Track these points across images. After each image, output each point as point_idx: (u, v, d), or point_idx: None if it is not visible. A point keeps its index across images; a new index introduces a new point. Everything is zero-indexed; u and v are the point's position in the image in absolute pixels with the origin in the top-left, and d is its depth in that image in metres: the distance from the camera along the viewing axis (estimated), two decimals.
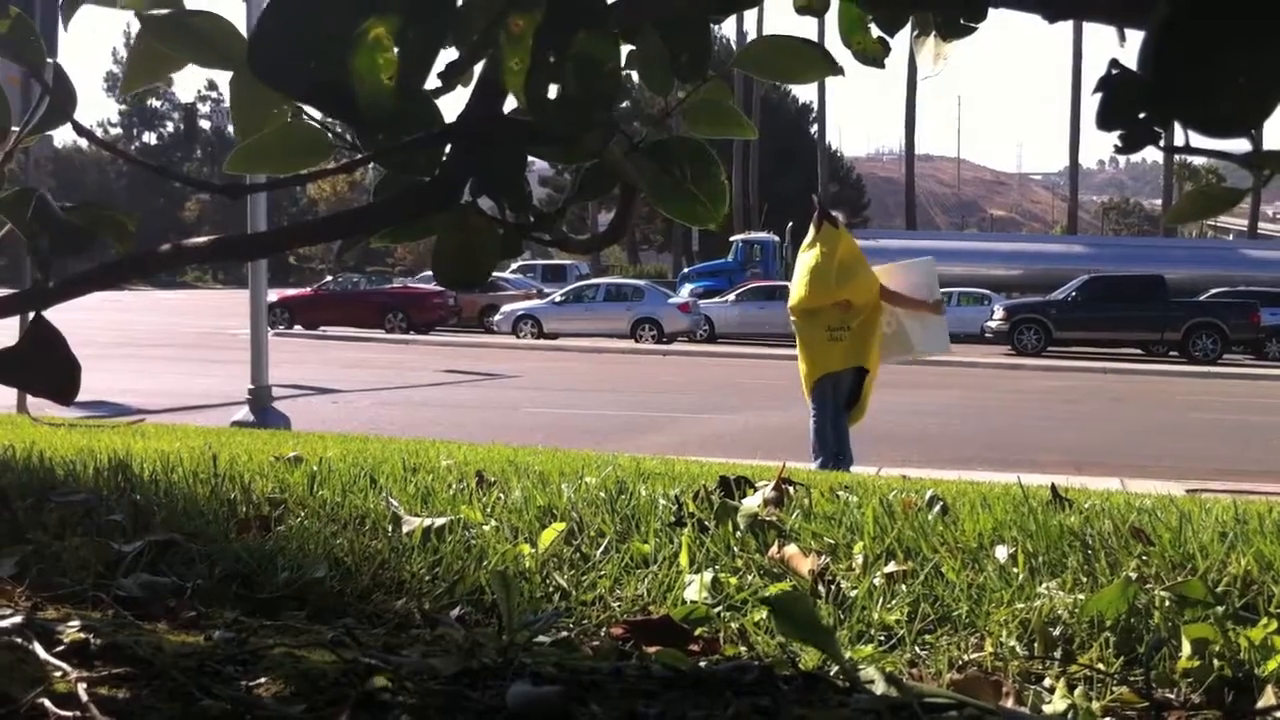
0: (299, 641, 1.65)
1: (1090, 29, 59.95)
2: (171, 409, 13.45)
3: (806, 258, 8.53)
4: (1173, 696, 1.67)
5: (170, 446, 4.78)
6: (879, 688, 1.51)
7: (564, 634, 1.90)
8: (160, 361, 21.67)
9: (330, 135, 1.48)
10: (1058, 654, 1.84)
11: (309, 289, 38.00)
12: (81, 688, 1.37)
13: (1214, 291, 32.93)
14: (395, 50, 1.22)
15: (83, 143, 77.70)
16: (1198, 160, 64.84)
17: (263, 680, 1.46)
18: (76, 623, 1.69)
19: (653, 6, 1.41)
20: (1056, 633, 1.90)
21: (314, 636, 1.71)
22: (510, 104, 1.38)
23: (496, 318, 32.73)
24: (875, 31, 1.67)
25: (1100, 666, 1.76)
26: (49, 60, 1.45)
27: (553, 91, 1.28)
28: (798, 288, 8.56)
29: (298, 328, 32.95)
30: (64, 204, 1.51)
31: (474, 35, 1.26)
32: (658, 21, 1.45)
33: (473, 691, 1.44)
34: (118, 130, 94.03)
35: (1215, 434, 14.58)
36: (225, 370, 17.94)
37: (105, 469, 3.35)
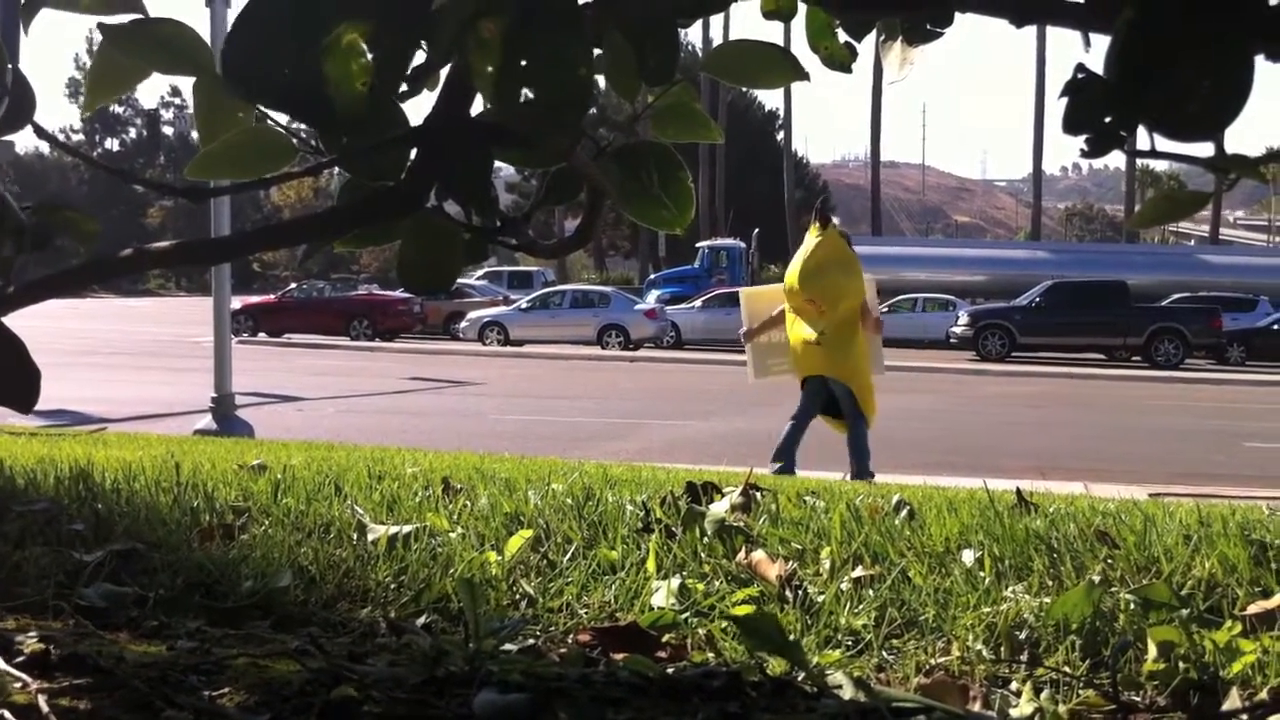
0: (263, 651, 1.64)
1: (1054, 37, 60.49)
2: (134, 417, 13.35)
3: (798, 253, 8.66)
4: (1138, 699, 1.67)
5: (132, 455, 4.74)
6: (847, 693, 1.50)
7: (531, 641, 1.89)
8: (122, 369, 21.51)
9: (294, 140, 1.47)
10: (1024, 657, 1.84)
11: (273, 296, 37.78)
12: (42, 699, 1.35)
13: (1176, 297, 33.25)
14: (368, 56, 1.21)
15: (44, 149, 77.25)
16: (1159, 166, 65.28)
17: (226, 690, 1.44)
18: (37, 633, 1.67)
19: (621, 10, 1.41)
20: (1023, 636, 1.90)
21: (278, 646, 1.69)
22: (477, 107, 1.38)
23: (462, 325, 32.63)
24: (842, 37, 1.67)
25: (1066, 669, 1.76)
26: (9, 64, 1.43)
27: (522, 95, 1.28)
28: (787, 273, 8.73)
29: (262, 335, 32.78)
30: (24, 204, 1.50)
31: (447, 40, 1.25)
32: (625, 25, 1.45)
33: (439, 700, 1.43)
34: (80, 136, 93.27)
35: (1178, 438, 14.70)
36: (188, 378, 17.81)
37: (67, 478, 3.31)
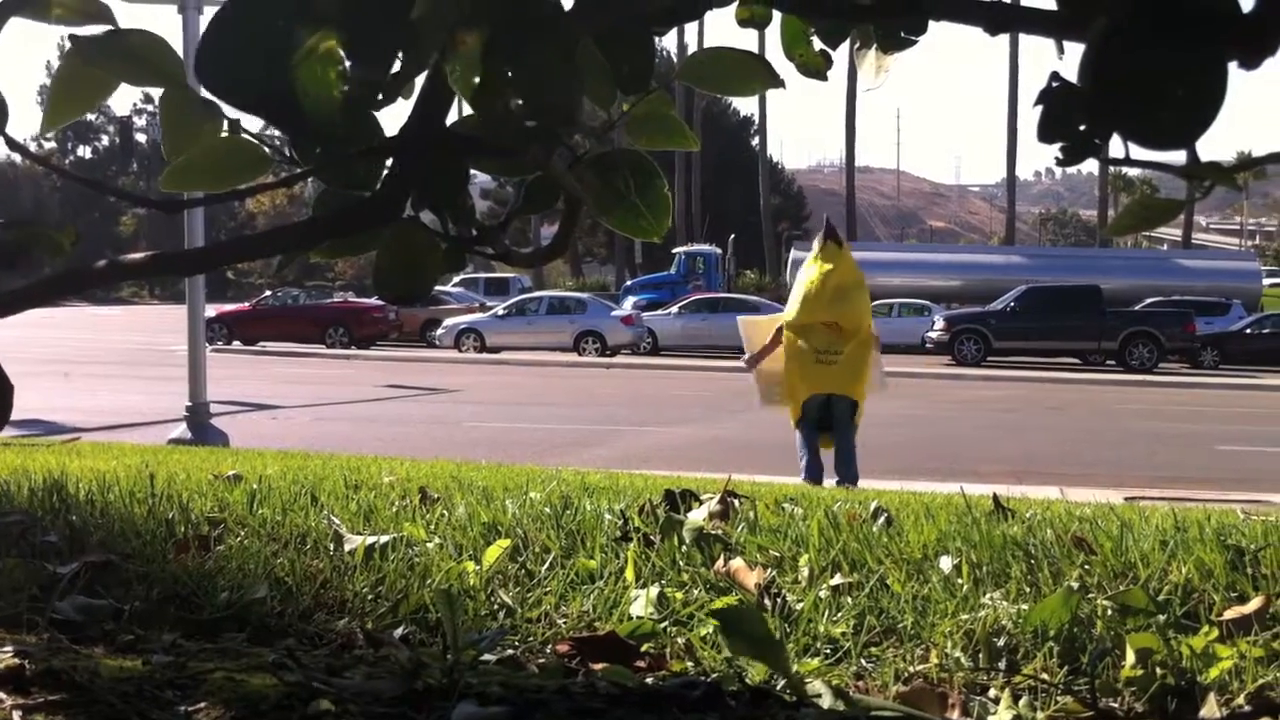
0: (239, 664, 1.63)
1: (1027, 43, 60.79)
2: (108, 427, 13.27)
3: (806, 274, 8.56)
4: (1116, 705, 1.68)
5: (106, 465, 4.71)
6: (826, 701, 1.50)
7: (509, 652, 1.89)
8: (96, 379, 21.37)
9: (268, 149, 1.46)
10: (1002, 664, 1.84)
11: (248, 304, 37.66)
12: (17, 715, 1.34)
13: (1149, 301, 33.44)
14: (346, 64, 1.20)
15: (16, 158, 76.76)
16: (1132, 171, 65.81)
17: (203, 705, 1.43)
18: (11, 648, 1.65)
19: (596, 19, 1.41)
20: (1001, 643, 1.91)
21: (255, 659, 1.68)
22: (452, 116, 1.37)
23: (439, 332, 32.58)
24: (817, 44, 1.67)
25: (1044, 676, 1.77)
26: None
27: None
28: (790, 305, 8.58)
29: (236, 343, 32.66)
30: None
31: (427, 52, 1.25)
32: (599, 34, 1.44)
33: (417, 714, 1.42)
34: (51, 145, 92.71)
35: (1152, 442, 14.77)
36: (162, 387, 17.71)
37: (40, 489, 3.28)
